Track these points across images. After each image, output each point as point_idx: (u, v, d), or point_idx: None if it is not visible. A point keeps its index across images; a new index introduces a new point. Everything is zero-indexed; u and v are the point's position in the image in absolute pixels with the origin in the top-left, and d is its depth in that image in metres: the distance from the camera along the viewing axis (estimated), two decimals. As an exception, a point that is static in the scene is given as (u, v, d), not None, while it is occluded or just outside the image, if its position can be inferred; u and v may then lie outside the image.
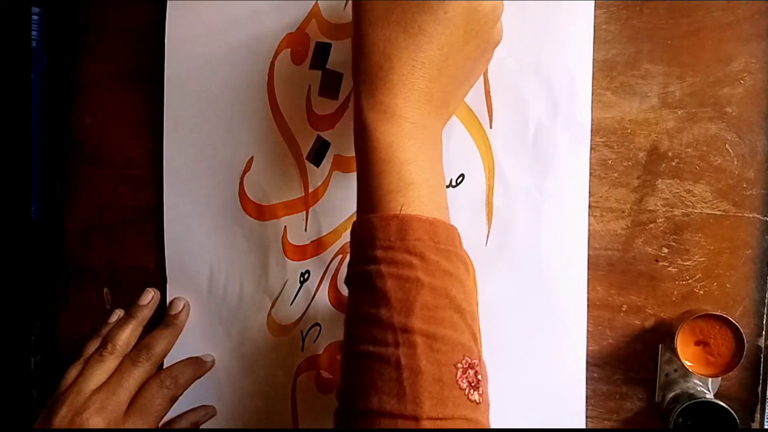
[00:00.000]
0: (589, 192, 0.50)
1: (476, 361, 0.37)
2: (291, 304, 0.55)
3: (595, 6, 0.49)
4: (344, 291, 0.54)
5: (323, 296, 0.54)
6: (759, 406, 0.49)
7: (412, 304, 0.36)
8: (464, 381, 0.35)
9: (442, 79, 0.41)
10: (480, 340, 0.40)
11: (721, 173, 0.48)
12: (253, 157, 0.54)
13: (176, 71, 0.55)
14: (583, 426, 0.50)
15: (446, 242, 0.38)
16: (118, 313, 0.57)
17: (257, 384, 0.56)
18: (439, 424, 0.34)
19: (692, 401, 0.46)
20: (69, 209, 0.59)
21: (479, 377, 0.36)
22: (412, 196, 0.39)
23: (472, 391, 0.35)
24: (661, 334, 0.50)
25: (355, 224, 0.40)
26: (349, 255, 0.41)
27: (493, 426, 0.51)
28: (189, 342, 0.56)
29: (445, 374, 0.35)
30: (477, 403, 0.35)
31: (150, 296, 0.56)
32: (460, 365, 0.35)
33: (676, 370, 0.49)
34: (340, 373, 0.38)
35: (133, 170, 0.58)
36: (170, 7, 0.55)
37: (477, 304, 0.41)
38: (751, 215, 0.48)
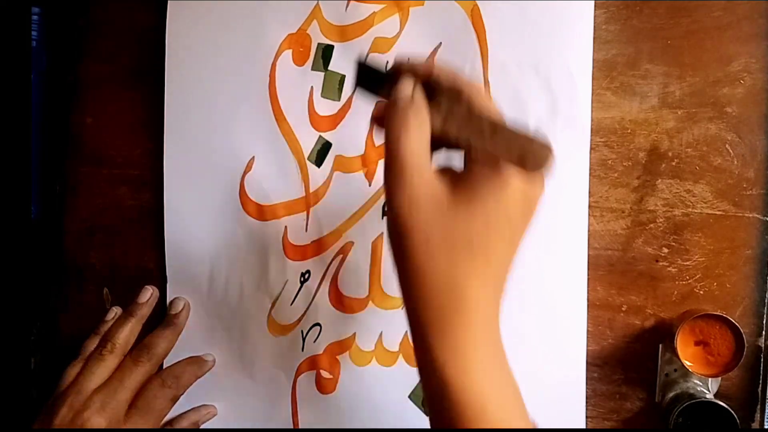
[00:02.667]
0: (589, 192, 0.50)
1: None
2: (291, 304, 0.55)
3: (595, 6, 0.49)
4: (344, 291, 0.54)
5: (323, 296, 0.54)
6: (759, 406, 0.49)
7: None
8: None
9: (503, 283, 0.36)
10: None
11: (721, 173, 0.49)
12: (254, 157, 0.54)
13: (176, 71, 0.55)
14: (583, 426, 0.50)
15: None
16: (115, 311, 0.56)
17: (257, 384, 0.56)
18: None
19: (692, 401, 0.46)
20: (69, 209, 0.59)
21: None
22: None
23: None
24: (661, 334, 0.50)
25: None
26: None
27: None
28: (189, 342, 0.56)
29: None
30: None
31: (148, 294, 0.56)
32: None
33: (676, 370, 0.49)
34: None
35: (133, 170, 0.58)
36: (170, 7, 0.55)
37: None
38: (751, 215, 0.48)
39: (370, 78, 0.38)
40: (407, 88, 0.36)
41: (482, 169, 0.34)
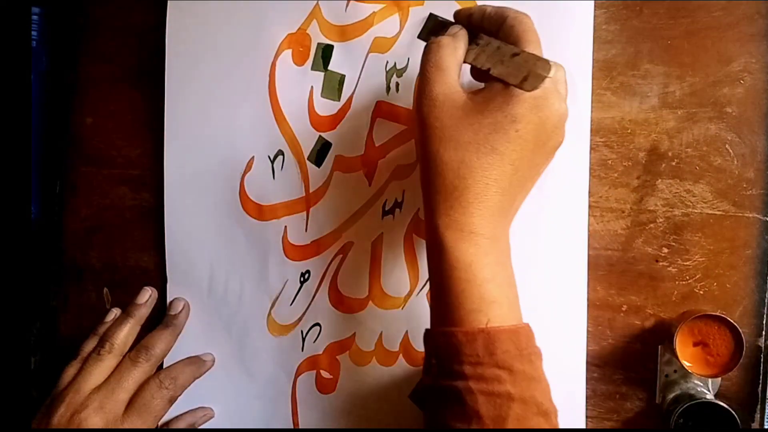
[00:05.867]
0: (589, 192, 0.50)
1: None
2: (291, 304, 0.55)
3: (595, 6, 0.49)
4: (344, 291, 0.54)
5: (323, 296, 0.54)
6: (759, 406, 0.49)
7: (504, 420, 0.37)
8: None
9: (512, 191, 0.41)
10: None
11: (721, 173, 0.48)
12: (254, 157, 0.54)
13: (176, 71, 0.55)
14: (583, 426, 0.50)
15: (528, 346, 0.40)
16: (115, 312, 0.56)
17: (257, 384, 0.56)
18: None
19: (692, 402, 0.46)
20: (69, 209, 0.59)
21: None
22: (495, 314, 0.39)
23: None
24: (661, 335, 0.50)
25: (437, 336, 0.41)
26: (424, 364, 0.42)
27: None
28: (189, 342, 0.56)
29: None
30: None
31: (147, 295, 0.56)
32: None
33: (676, 371, 0.49)
34: None
35: (133, 170, 0.58)
36: (170, 7, 0.55)
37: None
38: (751, 215, 0.48)
39: (437, 27, 0.46)
40: (454, 28, 0.44)
41: (496, 86, 0.41)
